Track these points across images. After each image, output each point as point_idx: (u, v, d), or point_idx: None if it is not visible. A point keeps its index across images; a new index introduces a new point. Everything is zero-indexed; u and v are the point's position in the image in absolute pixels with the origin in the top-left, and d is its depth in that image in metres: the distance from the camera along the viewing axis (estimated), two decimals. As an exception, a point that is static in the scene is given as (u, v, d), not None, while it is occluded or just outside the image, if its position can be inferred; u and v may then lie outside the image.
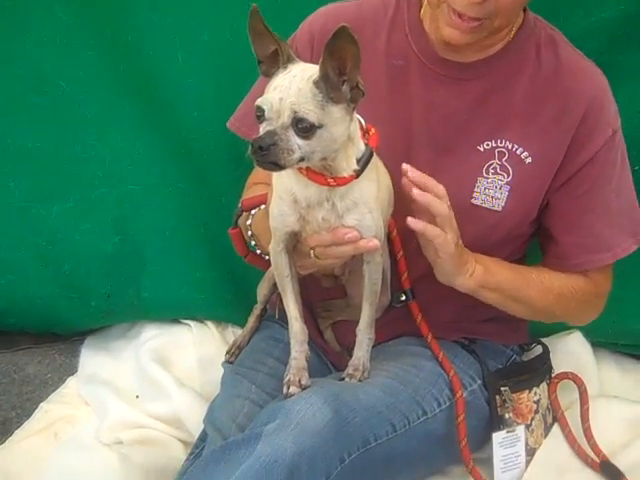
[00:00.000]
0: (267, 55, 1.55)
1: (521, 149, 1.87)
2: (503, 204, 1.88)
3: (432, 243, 1.72)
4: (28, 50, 2.42)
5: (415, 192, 1.68)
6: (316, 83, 1.50)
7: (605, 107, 1.88)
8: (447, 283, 1.85)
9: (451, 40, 1.78)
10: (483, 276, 1.84)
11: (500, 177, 1.88)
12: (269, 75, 1.56)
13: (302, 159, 1.51)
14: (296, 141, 1.49)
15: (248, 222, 1.89)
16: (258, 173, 2.09)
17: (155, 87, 2.45)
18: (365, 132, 1.66)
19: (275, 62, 1.55)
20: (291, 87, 1.49)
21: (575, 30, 2.06)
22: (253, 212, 1.88)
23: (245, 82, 2.16)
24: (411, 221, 1.68)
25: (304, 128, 1.48)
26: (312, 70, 1.52)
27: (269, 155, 1.48)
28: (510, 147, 1.87)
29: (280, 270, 1.76)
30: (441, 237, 1.71)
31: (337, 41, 1.46)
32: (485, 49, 1.86)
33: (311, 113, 1.48)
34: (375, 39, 1.94)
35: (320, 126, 1.49)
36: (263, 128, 1.51)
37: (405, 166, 1.69)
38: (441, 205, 1.70)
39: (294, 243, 1.72)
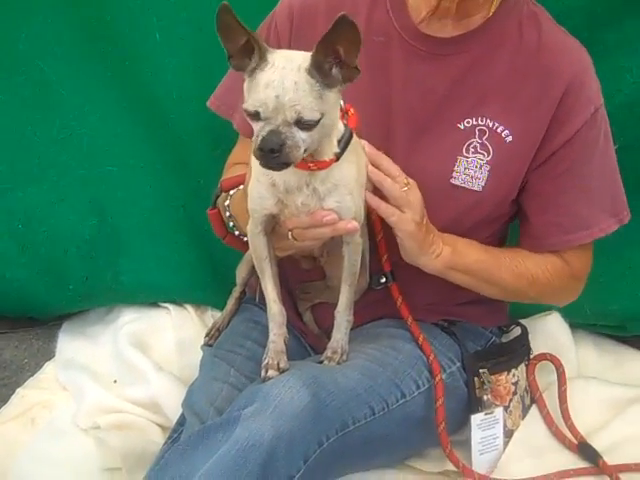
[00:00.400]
0: (238, 48, 1.50)
1: (502, 127, 1.85)
2: (483, 184, 1.87)
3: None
4: (4, 29, 2.39)
5: (369, 169, 1.69)
6: (310, 72, 1.46)
7: (586, 85, 1.85)
8: (412, 263, 1.84)
9: None
10: (451, 258, 1.84)
11: (480, 156, 1.86)
12: (242, 69, 1.51)
13: (305, 151, 1.50)
14: (300, 135, 1.46)
15: (226, 203, 1.87)
16: (237, 153, 2.07)
17: (133, 66, 2.42)
18: (344, 112, 1.64)
19: (246, 54, 1.50)
20: (284, 82, 1.45)
21: (556, 7, 2.04)
22: (232, 192, 1.87)
23: (225, 61, 2.10)
24: (368, 196, 1.70)
25: (308, 122, 1.46)
26: (298, 58, 1.48)
27: (280, 156, 1.45)
28: (491, 125, 1.85)
29: (258, 252, 1.74)
30: (395, 216, 1.73)
31: (337, 30, 1.43)
32: (468, 18, 1.84)
33: (314, 107, 1.45)
34: (356, 15, 1.87)
35: (322, 117, 1.47)
36: (262, 128, 1.46)
37: (362, 142, 1.69)
38: (391, 185, 1.71)
39: (272, 225, 1.71)
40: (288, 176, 1.60)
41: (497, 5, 1.85)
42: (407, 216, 1.72)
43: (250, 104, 1.47)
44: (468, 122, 1.86)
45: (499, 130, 1.85)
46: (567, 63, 1.85)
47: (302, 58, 1.48)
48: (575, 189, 1.89)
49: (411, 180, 1.75)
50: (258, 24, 2.00)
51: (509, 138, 1.85)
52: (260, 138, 1.46)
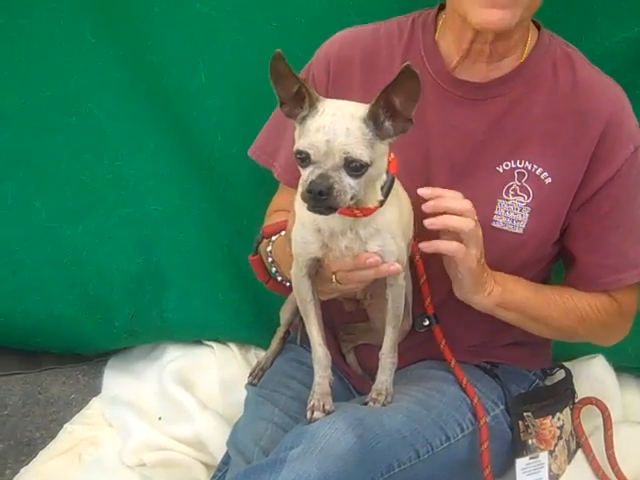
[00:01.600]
0: (290, 96, 1.54)
1: (541, 169, 1.86)
2: (524, 226, 1.87)
3: (453, 258, 1.73)
4: (56, 72, 2.46)
5: (426, 222, 1.69)
6: (365, 121, 1.50)
7: (625, 123, 1.86)
8: (464, 300, 1.85)
9: (490, 22, 1.74)
10: (502, 295, 1.84)
11: (520, 198, 1.87)
12: (292, 116, 1.55)
13: (352, 198, 1.52)
14: (348, 181, 1.49)
15: (269, 249, 1.90)
16: (278, 200, 2.11)
17: (179, 108, 2.47)
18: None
19: (297, 103, 1.54)
20: (336, 127, 1.47)
21: (597, 51, 2.07)
22: (274, 238, 1.89)
23: (268, 104, 2.13)
24: (422, 245, 1.72)
25: (356, 167, 1.48)
26: (349, 107, 1.52)
27: (328, 200, 1.48)
28: (529, 167, 1.86)
29: (303, 295, 1.76)
30: (461, 251, 1.72)
31: (401, 80, 1.46)
32: (501, 61, 1.86)
33: (363, 153, 1.48)
34: (390, 63, 1.94)
35: (371, 164, 1.50)
36: (311, 172, 1.49)
37: (421, 191, 1.70)
38: (460, 221, 1.70)
39: (316, 269, 1.73)
40: (332, 221, 1.62)
41: (531, 47, 1.87)
42: (472, 252, 1.72)
43: (301, 145, 1.50)
44: (507, 165, 1.87)
45: (538, 172, 1.86)
46: (603, 102, 1.85)
47: (353, 107, 1.52)
48: (621, 228, 1.89)
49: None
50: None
51: (548, 180, 1.86)
52: (309, 181, 1.48)
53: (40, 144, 2.53)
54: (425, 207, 1.69)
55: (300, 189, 1.52)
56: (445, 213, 1.70)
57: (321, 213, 1.53)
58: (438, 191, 1.71)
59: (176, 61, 2.42)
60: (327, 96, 1.92)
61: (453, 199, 1.72)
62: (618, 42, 2.15)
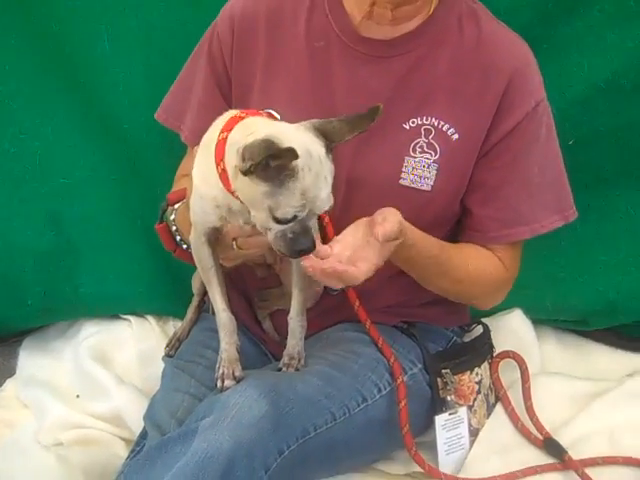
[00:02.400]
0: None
1: (447, 125, 1.84)
2: (432, 183, 1.85)
3: None
4: (-49, 43, 2.35)
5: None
6: (330, 159, 1.54)
7: (528, 79, 1.86)
8: None
9: None
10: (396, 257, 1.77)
11: (427, 155, 1.85)
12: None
13: None
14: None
15: (172, 217, 1.86)
16: (186, 164, 2.05)
17: (83, 77, 2.40)
18: None
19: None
20: (319, 182, 1.49)
21: (504, 4, 2.06)
22: (177, 206, 1.86)
23: (176, 68, 2.13)
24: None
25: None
26: (315, 149, 1.51)
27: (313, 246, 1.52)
28: (436, 124, 1.85)
29: (203, 262, 1.74)
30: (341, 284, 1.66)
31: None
32: (407, 20, 1.84)
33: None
34: (295, 21, 1.91)
35: None
36: (291, 228, 1.50)
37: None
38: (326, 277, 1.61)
39: (216, 235, 1.71)
40: (233, 203, 1.60)
41: (436, 4, 1.85)
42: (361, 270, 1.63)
43: (288, 212, 1.47)
44: (413, 122, 1.85)
45: (444, 128, 1.85)
46: (508, 57, 1.85)
47: (316, 148, 1.51)
48: (515, 183, 1.88)
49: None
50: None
51: (455, 136, 1.85)
52: (291, 239, 1.50)
53: (-62, 119, 2.43)
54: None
55: (280, 244, 1.52)
56: None
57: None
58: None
59: (78, 28, 2.35)
60: (232, 54, 1.93)
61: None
62: (525, -5, 2.14)
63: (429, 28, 1.85)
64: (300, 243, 1.50)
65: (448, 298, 2.00)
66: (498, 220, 1.89)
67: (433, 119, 1.85)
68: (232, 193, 1.57)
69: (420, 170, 1.85)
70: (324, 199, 1.50)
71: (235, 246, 1.68)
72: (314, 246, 1.52)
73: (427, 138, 1.85)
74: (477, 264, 1.90)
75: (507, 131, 1.84)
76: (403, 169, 1.85)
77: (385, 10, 1.80)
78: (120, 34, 2.35)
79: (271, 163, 1.43)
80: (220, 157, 1.56)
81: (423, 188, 1.86)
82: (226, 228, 1.66)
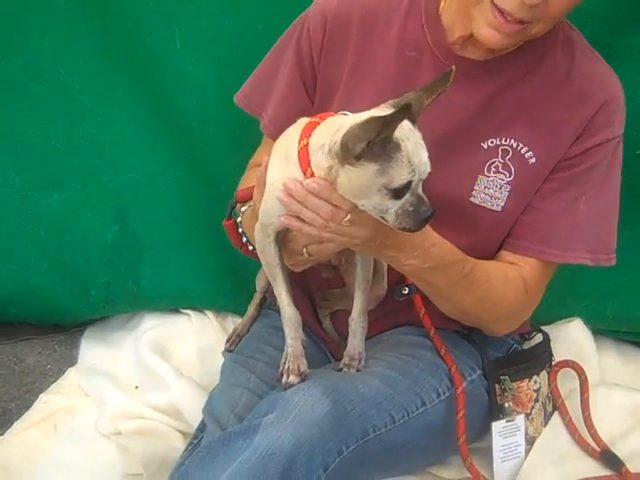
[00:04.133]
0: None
1: (526, 148, 1.83)
2: (503, 204, 1.85)
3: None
4: (27, 39, 2.41)
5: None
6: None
7: (612, 112, 1.83)
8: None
9: (489, 43, 1.72)
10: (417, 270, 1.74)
11: (502, 176, 1.84)
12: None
13: None
14: None
15: (239, 219, 1.88)
16: (261, 153, 2.06)
17: (154, 74, 2.43)
18: None
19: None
20: (420, 147, 1.51)
21: (575, 14, 2.02)
22: (243, 209, 1.87)
23: (244, 68, 2.15)
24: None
25: None
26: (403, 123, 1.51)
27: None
28: (515, 145, 1.84)
29: (269, 260, 1.74)
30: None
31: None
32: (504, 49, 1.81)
33: None
34: (389, 27, 1.89)
35: None
36: (410, 200, 1.50)
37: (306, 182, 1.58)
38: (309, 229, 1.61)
39: (283, 234, 1.71)
40: None
41: None
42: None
43: (402, 178, 1.48)
44: (492, 142, 1.84)
45: (523, 151, 1.84)
46: (597, 90, 1.83)
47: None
48: (562, 202, 1.85)
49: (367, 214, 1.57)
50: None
51: (532, 160, 1.84)
52: (412, 210, 1.50)
53: (13, 113, 2.49)
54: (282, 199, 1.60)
55: (403, 221, 1.51)
56: None
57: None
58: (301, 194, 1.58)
59: (150, 27, 2.38)
60: (321, 51, 1.92)
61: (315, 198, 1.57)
62: (596, 4, 2.12)
63: (523, 53, 1.82)
64: (423, 212, 1.50)
65: (464, 322, 1.96)
66: (533, 231, 1.87)
67: (512, 140, 1.84)
68: None
69: (492, 190, 1.85)
70: (426, 163, 1.51)
71: (306, 253, 1.68)
72: (434, 210, 1.52)
73: (503, 159, 1.84)
74: (498, 281, 1.85)
75: (575, 154, 1.83)
76: (475, 187, 1.84)
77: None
78: (191, 33, 2.37)
79: (377, 140, 1.44)
80: (306, 164, 1.55)
81: (493, 208, 1.85)
82: (296, 233, 1.66)
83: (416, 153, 1.49)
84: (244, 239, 1.90)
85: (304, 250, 1.68)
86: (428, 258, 1.69)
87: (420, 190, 1.52)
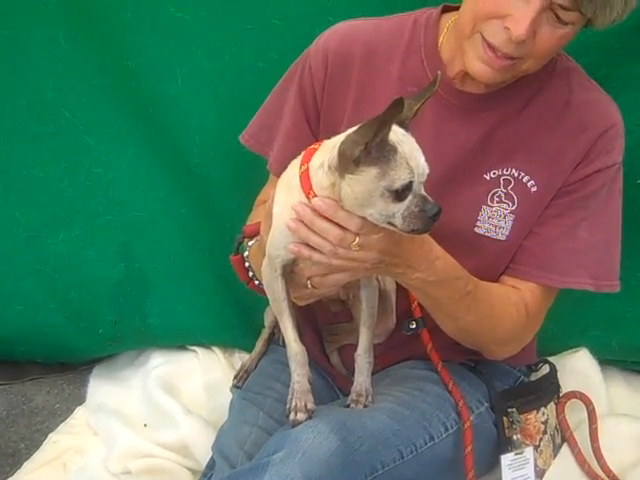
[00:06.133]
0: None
1: (527, 177, 1.85)
2: (507, 233, 1.86)
3: None
4: (30, 79, 2.45)
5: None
6: None
7: (611, 140, 1.85)
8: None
9: (480, 77, 1.75)
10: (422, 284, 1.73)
11: (505, 205, 1.86)
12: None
13: None
14: None
15: (245, 253, 1.89)
16: (267, 191, 2.07)
17: (157, 113, 2.46)
18: None
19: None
20: (416, 149, 1.52)
21: (573, 44, 2.04)
22: (250, 244, 1.88)
23: (245, 105, 2.18)
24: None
25: None
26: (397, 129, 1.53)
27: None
28: (516, 175, 1.85)
29: (276, 294, 1.74)
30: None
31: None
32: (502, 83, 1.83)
33: None
34: (390, 63, 1.92)
35: None
36: (414, 201, 1.50)
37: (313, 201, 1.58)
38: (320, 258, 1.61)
39: (290, 268, 1.71)
40: None
41: None
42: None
43: (402, 179, 1.49)
44: (494, 173, 1.86)
45: (524, 180, 1.85)
46: (596, 119, 1.84)
47: (395, 126, 1.51)
48: (561, 227, 1.86)
49: (382, 233, 1.57)
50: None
51: (534, 188, 1.85)
52: (418, 211, 1.50)
53: (17, 153, 2.52)
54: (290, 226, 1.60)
55: (412, 223, 1.51)
56: None
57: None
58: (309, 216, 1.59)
59: (152, 65, 2.41)
60: (324, 89, 1.95)
61: (324, 222, 1.57)
62: (593, 35, 2.13)
63: (522, 86, 1.84)
64: (429, 209, 1.50)
65: (465, 343, 1.94)
66: (533, 255, 1.87)
67: (513, 170, 1.85)
68: None
69: (496, 220, 1.86)
70: (424, 165, 1.52)
71: (309, 285, 1.69)
72: (441, 207, 1.52)
73: (506, 188, 1.86)
74: (500, 302, 1.85)
75: (575, 180, 1.84)
76: (479, 217, 1.86)
77: None
78: (192, 73, 2.40)
79: (374, 142, 1.45)
80: (308, 187, 1.57)
81: (498, 237, 1.86)
82: (302, 265, 1.67)
83: (413, 155, 1.50)
84: (250, 274, 1.90)
85: (308, 282, 1.69)
86: (433, 272, 1.69)
87: (423, 191, 1.52)
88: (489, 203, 1.86)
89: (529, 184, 1.85)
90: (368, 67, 1.93)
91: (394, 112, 1.43)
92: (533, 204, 1.86)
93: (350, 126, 1.89)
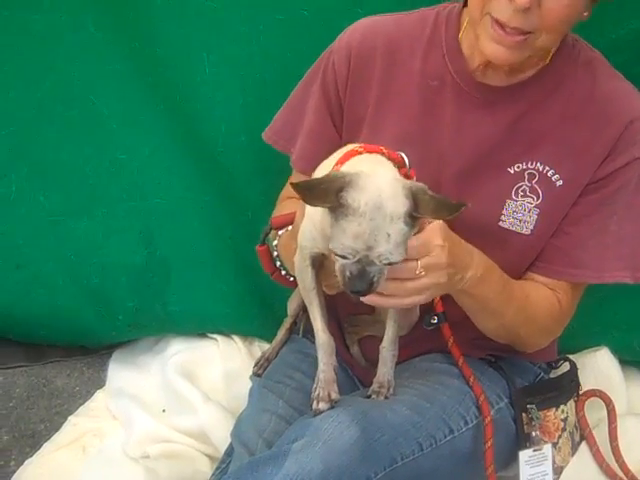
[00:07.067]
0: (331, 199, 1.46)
1: (552, 171, 1.84)
2: (532, 227, 1.86)
3: None
4: (58, 64, 2.45)
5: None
6: (405, 221, 1.45)
7: (638, 133, 1.82)
8: None
9: (495, 58, 1.74)
10: (475, 286, 1.73)
11: (529, 199, 1.85)
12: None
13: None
14: (385, 268, 1.48)
15: (274, 242, 1.89)
16: (289, 188, 2.06)
17: (183, 101, 2.46)
18: (406, 176, 1.64)
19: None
20: (377, 235, 1.43)
21: (604, 42, 2.04)
22: (280, 233, 1.88)
23: (272, 95, 2.18)
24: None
25: (392, 264, 1.47)
26: (391, 204, 1.44)
27: (369, 292, 1.49)
28: (541, 169, 1.85)
29: (306, 284, 1.75)
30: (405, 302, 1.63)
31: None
32: (522, 71, 1.84)
33: (402, 252, 1.46)
34: (411, 58, 1.92)
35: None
36: (348, 265, 1.46)
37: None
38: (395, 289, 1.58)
39: (321, 259, 1.72)
40: None
41: (553, 54, 1.83)
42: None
43: (338, 249, 1.46)
44: (518, 167, 1.85)
45: (549, 174, 1.85)
46: (621, 110, 1.83)
47: (393, 203, 1.44)
48: (592, 225, 1.86)
49: (435, 251, 1.57)
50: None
51: (559, 182, 1.85)
52: (348, 277, 1.47)
53: (42, 138, 2.53)
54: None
55: (338, 275, 1.50)
56: None
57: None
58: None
59: (179, 53, 2.41)
60: (347, 85, 1.95)
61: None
62: (625, 34, 2.13)
63: (544, 77, 1.84)
64: (354, 285, 1.47)
65: (500, 339, 1.95)
66: (566, 255, 1.87)
67: (538, 164, 1.85)
68: None
69: (521, 214, 1.86)
70: (383, 253, 1.44)
71: None
72: (368, 291, 1.48)
73: (530, 182, 1.85)
74: (536, 293, 1.87)
75: (603, 175, 1.83)
76: (503, 211, 1.86)
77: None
78: (220, 61, 2.41)
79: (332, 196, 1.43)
80: None
81: (522, 232, 1.86)
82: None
83: (369, 237, 1.43)
84: (278, 263, 1.91)
85: None
86: (477, 265, 1.70)
87: (372, 268, 1.45)
88: (513, 197, 1.86)
89: (554, 178, 1.85)
90: (390, 62, 1.94)
91: (330, 182, 1.44)
92: (558, 198, 1.85)
93: (373, 122, 1.92)
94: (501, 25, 1.67)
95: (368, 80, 1.94)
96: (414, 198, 1.46)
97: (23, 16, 2.39)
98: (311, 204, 1.49)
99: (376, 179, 1.48)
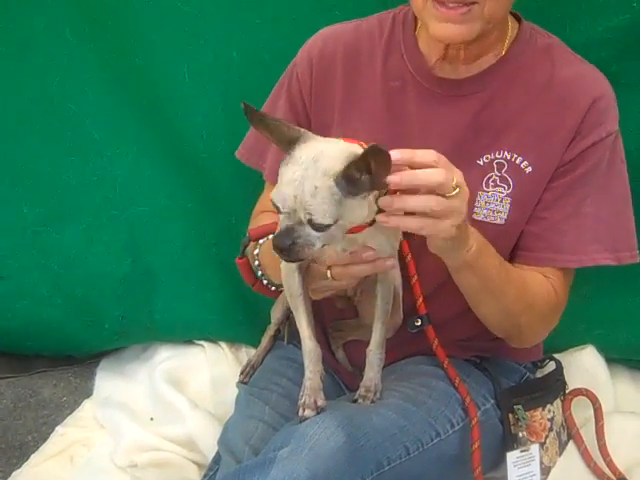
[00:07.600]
0: (285, 138, 1.49)
1: (520, 158, 1.84)
2: (505, 217, 1.86)
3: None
4: (37, 73, 2.45)
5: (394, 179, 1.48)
6: (337, 180, 1.42)
7: (602, 110, 1.82)
8: (440, 255, 1.72)
9: (447, 37, 1.74)
10: (477, 255, 1.70)
11: (500, 189, 1.85)
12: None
13: (324, 245, 1.50)
14: (315, 234, 1.46)
15: (256, 252, 1.89)
16: (264, 201, 2.09)
17: (163, 108, 2.46)
18: None
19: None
20: (305, 184, 1.42)
21: (581, 39, 2.06)
22: (261, 242, 1.88)
23: (252, 101, 2.10)
24: (380, 219, 1.53)
25: (319, 227, 1.45)
26: (327, 160, 1.43)
27: (291, 253, 1.47)
28: (509, 157, 1.85)
29: (293, 290, 1.75)
30: (425, 229, 1.54)
31: (368, 157, 1.41)
32: (479, 59, 1.85)
33: (327, 214, 1.43)
34: (372, 61, 1.94)
35: (335, 222, 1.45)
36: (282, 221, 1.47)
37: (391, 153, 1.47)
38: (427, 200, 1.49)
39: (307, 264, 1.71)
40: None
41: (510, 41, 1.86)
42: (446, 224, 1.54)
43: (273, 194, 1.47)
44: (487, 158, 1.86)
45: (518, 162, 1.85)
46: (583, 92, 1.83)
47: (330, 160, 1.44)
48: (565, 207, 1.85)
49: (459, 178, 1.54)
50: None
51: (529, 169, 1.84)
52: (276, 234, 1.48)
53: (24, 147, 2.52)
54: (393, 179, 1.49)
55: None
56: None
57: (293, 262, 1.55)
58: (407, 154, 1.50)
59: (158, 60, 2.41)
60: (311, 95, 1.97)
61: (425, 172, 1.50)
62: (603, 31, 2.13)
63: (503, 66, 1.86)
64: (276, 239, 1.47)
65: (501, 330, 1.93)
66: (544, 240, 1.86)
67: (506, 153, 1.85)
68: None
69: (493, 205, 1.86)
70: (307, 206, 1.42)
71: (329, 276, 1.67)
72: (290, 251, 1.46)
73: (500, 172, 1.85)
74: (531, 280, 1.85)
75: (570, 158, 1.83)
76: (476, 204, 1.85)
77: (458, 51, 1.82)
78: (199, 68, 2.40)
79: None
80: None
81: (497, 222, 1.86)
82: (323, 257, 1.65)
83: (293, 183, 1.43)
84: (259, 273, 1.91)
85: (328, 273, 1.68)
86: (476, 238, 1.68)
87: (297, 225, 1.45)
88: (484, 188, 1.86)
89: (522, 165, 1.85)
90: (352, 67, 1.96)
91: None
92: (529, 185, 1.85)
93: (340, 128, 1.93)
94: (442, 3, 1.69)
95: (331, 85, 1.96)
96: (351, 173, 1.43)
97: (0, 26, 2.39)
98: (257, 128, 1.53)
99: (328, 142, 1.51)
